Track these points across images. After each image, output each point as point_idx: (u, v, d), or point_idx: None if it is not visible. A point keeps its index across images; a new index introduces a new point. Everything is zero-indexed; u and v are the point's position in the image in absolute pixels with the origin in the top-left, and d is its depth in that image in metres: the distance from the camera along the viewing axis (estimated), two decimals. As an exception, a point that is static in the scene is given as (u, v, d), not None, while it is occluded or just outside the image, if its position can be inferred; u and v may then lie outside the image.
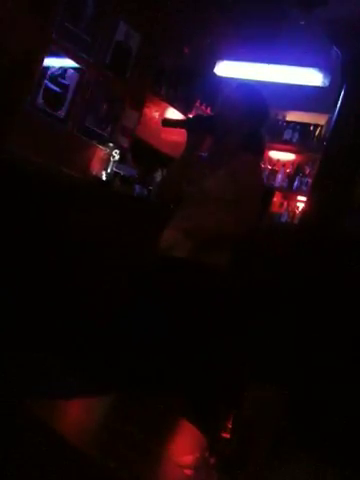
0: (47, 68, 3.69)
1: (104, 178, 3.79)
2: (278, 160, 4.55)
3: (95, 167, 3.89)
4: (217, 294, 1.94)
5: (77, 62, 3.84)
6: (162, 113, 4.46)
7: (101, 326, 2.19)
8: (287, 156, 4.57)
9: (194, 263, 1.90)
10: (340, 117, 3.25)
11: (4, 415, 1.10)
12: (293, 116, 4.61)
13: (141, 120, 4.29)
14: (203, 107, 4.67)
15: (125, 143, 4.16)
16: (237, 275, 2.07)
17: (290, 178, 4.41)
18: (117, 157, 3.83)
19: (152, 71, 4.32)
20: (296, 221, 4.06)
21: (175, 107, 4.53)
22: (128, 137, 4.19)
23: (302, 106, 4.44)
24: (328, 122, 4.08)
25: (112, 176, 3.82)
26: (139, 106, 4.25)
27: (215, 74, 4.60)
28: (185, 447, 1.26)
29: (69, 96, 3.81)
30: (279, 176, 4.45)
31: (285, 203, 4.39)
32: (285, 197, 4.44)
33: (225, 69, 4.58)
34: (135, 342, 1.86)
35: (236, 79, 4.24)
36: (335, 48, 4.21)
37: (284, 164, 4.50)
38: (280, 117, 4.56)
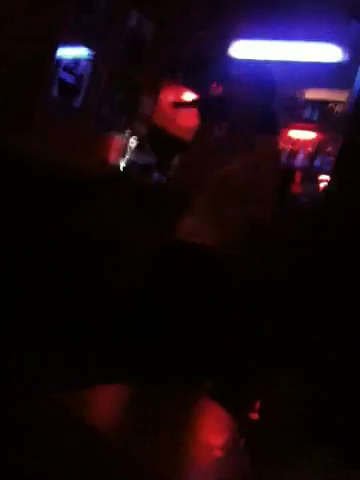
0: (61, 59, 3.68)
1: (122, 167, 3.78)
2: (298, 140, 4.47)
3: (112, 156, 3.89)
4: (238, 280, 1.92)
5: (91, 52, 3.82)
6: (179, 99, 4.42)
7: (119, 313, 2.20)
8: (308, 135, 4.49)
9: (214, 250, 1.89)
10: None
11: (26, 409, 1.11)
12: (312, 94, 4.51)
13: (158, 107, 4.26)
14: (220, 90, 4.60)
15: (142, 130, 4.14)
16: (258, 261, 2.04)
17: (311, 158, 4.33)
18: (134, 145, 3.82)
19: (167, 57, 4.27)
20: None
21: (192, 92, 4.47)
22: (145, 124, 4.17)
23: (321, 83, 4.34)
24: (349, 98, 3.98)
25: (130, 164, 3.81)
26: (155, 93, 4.22)
27: (231, 55, 4.53)
28: (213, 429, 1.25)
29: (84, 86, 3.80)
30: (300, 156, 4.38)
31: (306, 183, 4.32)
32: (306, 177, 4.37)
33: (241, 49, 4.50)
34: (156, 327, 1.85)
35: (252, 59, 4.16)
36: (355, 21, 4.10)
37: (305, 143, 4.42)
38: (299, 96, 4.46)
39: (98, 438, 0.98)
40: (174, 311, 1.87)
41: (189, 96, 4.46)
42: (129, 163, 3.82)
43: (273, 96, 2.01)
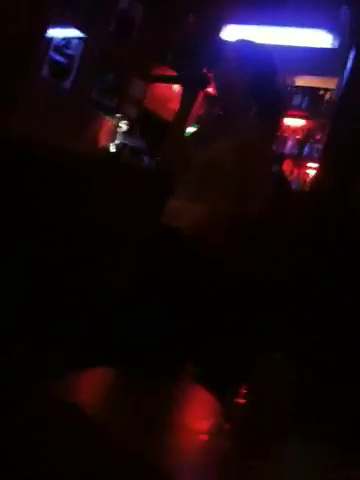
0: (51, 39, 3.63)
1: (112, 149, 3.76)
2: (288, 126, 4.48)
3: (103, 139, 3.86)
4: (222, 263, 1.88)
5: (81, 32, 3.77)
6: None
7: (110, 301, 2.19)
8: (297, 122, 4.50)
9: (198, 233, 1.82)
10: (349, 80, 3.17)
11: (22, 400, 1.10)
12: (302, 81, 4.50)
13: (149, 90, 4.23)
14: (209, 73, 4.58)
15: (133, 113, 4.11)
16: (245, 246, 2.03)
17: (300, 145, 4.35)
18: (125, 128, 3.79)
19: (158, 40, 4.24)
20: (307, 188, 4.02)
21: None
22: (136, 107, 4.14)
23: (311, 70, 4.33)
24: (338, 86, 3.99)
25: (120, 147, 3.79)
26: (146, 76, 4.19)
27: (222, 39, 4.50)
28: (199, 414, 1.26)
29: (75, 66, 3.76)
30: (289, 143, 4.39)
31: (295, 171, 4.34)
32: (296, 164, 4.39)
33: (232, 34, 4.48)
34: (143, 315, 1.83)
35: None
36: (345, 7, 4.08)
37: (294, 130, 4.43)
38: (289, 82, 4.46)
39: (84, 421, 0.99)
40: (158, 297, 1.85)
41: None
42: (119, 146, 3.80)
43: (267, 78, 1.87)
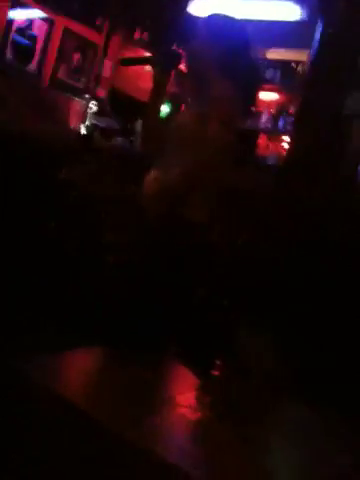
0: (13, 21, 3.51)
1: (83, 131, 3.68)
2: (262, 101, 4.44)
3: (73, 120, 3.78)
4: (198, 241, 1.88)
5: (44, 12, 3.65)
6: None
7: (89, 276, 2.16)
8: (270, 96, 4.46)
9: (172, 213, 1.82)
10: (317, 53, 3.14)
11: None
12: (274, 54, 4.45)
13: (117, 69, 4.14)
14: (180, 50, 4.51)
15: (102, 94, 4.02)
16: (220, 222, 2.01)
17: (274, 119, 4.32)
18: (94, 109, 3.71)
19: (125, 17, 4.14)
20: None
21: (152, 53, 4.36)
22: (105, 88, 4.05)
23: (282, 43, 4.28)
24: (308, 58, 3.96)
25: (91, 129, 3.71)
26: (114, 55, 4.10)
27: (191, 14, 4.42)
28: (179, 387, 1.26)
29: (39, 48, 3.64)
30: (263, 117, 4.36)
31: (271, 145, 4.32)
32: (270, 139, 4.37)
33: (200, 7, 4.40)
34: (122, 293, 1.82)
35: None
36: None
37: (268, 104, 4.39)
38: (260, 55, 4.41)
39: (64, 400, 0.97)
40: (136, 272, 1.83)
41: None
42: (91, 127, 3.72)
43: (243, 53, 1.83)
